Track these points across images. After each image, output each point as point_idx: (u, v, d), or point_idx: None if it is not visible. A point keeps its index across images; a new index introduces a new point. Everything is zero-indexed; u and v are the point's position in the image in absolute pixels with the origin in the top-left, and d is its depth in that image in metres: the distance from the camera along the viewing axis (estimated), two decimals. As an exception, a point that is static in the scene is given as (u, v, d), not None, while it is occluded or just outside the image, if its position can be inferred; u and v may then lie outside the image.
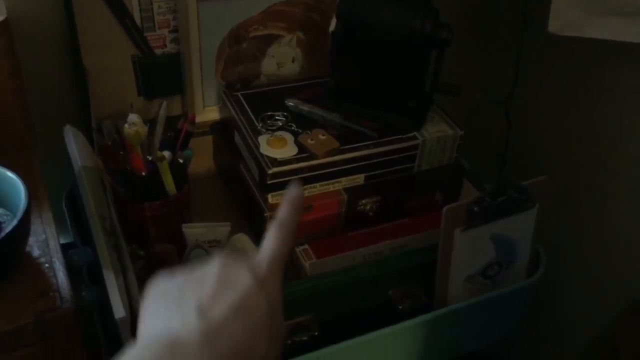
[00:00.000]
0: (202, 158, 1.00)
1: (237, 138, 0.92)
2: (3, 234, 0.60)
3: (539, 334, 1.21)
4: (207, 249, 0.78)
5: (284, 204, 0.51)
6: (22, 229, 0.63)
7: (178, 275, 0.47)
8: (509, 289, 0.85)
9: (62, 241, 1.09)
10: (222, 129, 0.99)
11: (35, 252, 0.68)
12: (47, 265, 0.66)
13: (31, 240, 0.68)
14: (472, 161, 0.97)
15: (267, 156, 0.83)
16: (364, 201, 0.89)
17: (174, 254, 0.88)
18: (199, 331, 0.42)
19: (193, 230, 0.87)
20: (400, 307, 0.82)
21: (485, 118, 1.05)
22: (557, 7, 0.86)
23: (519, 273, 0.89)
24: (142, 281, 0.85)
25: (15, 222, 0.61)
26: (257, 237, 0.87)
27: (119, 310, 0.62)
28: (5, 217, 0.66)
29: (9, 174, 0.67)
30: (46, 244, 0.68)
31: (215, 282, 0.45)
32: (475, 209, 0.78)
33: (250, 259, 0.48)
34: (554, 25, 0.88)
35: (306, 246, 0.88)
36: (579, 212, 1.07)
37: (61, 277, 0.65)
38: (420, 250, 0.84)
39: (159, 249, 0.88)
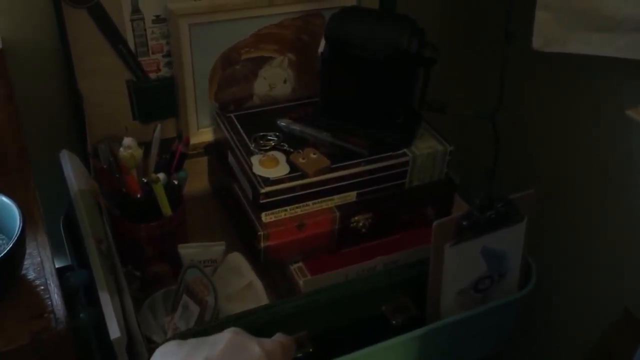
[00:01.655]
0: (196, 178, 1.01)
1: (231, 158, 0.94)
2: (-1, 257, 0.62)
3: (531, 345, 1.22)
4: (201, 268, 0.79)
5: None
6: (17, 252, 0.64)
7: (188, 342, 0.48)
8: (501, 302, 0.86)
9: (59, 264, 1.11)
10: (216, 150, 1.01)
11: (31, 275, 0.69)
12: (42, 287, 0.68)
13: (26, 263, 0.69)
14: (463, 175, 0.99)
15: (259, 176, 0.85)
16: (356, 218, 0.91)
17: (169, 274, 0.89)
18: None
19: (188, 251, 0.89)
20: (393, 322, 0.83)
21: (474, 133, 1.06)
22: (539, 24, 0.88)
23: (511, 285, 0.90)
24: (138, 302, 0.87)
25: (10, 245, 0.62)
26: (251, 256, 0.89)
27: (114, 331, 0.63)
28: (0, 242, 0.67)
29: (4, 198, 0.68)
30: (41, 266, 0.70)
31: (225, 345, 0.46)
32: (464, 223, 0.79)
33: (260, 338, 0.49)
34: (538, 42, 0.90)
35: (300, 264, 0.90)
36: (568, 224, 1.09)
37: (56, 299, 0.66)
38: (412, 264, 0.86)
39: (155, 269, 0.89)
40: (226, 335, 0.47)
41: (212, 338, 0.48)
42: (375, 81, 0.91)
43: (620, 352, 1.03)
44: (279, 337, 0.52)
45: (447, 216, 0.98)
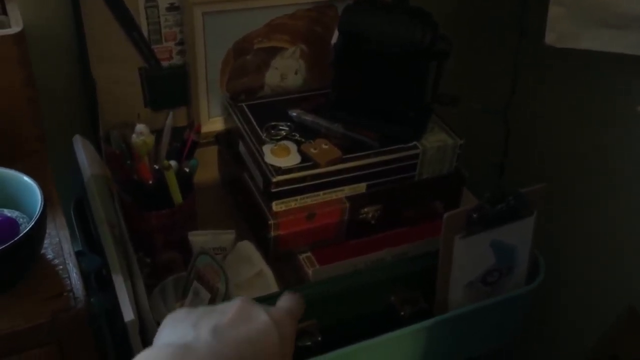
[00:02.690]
0: (207, 168, 1.02)
1: (242, 148, 0.94)
2: (21, 234, 0.62)
3: (537, 340, 1.23)
4: (212, 255, 0.79)
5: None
6: (39, 230, 0.65)
7: (198, 309, 0.49)
8: (509, 295, 0.87)
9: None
10: (226, 140, 1.01)
11: (50, 254, 0.70)
12: (60, 267, 0.68)
13: (45, 243, 0.70)
14: (472, 169, 0.99)
15: (271, 165, 0.85)
16: (365, 209, 0.91)
17: (180, 261, 0.90)
18: (209, 346, 0.44)
19: (198, 238, 0.89)
20: (402, 314, 0.84)
21: (485, 127, 1.07)
22: (553, 20, 0.88)
23: (518, 279, 0.90)
24: (149, 288, 0.87)
25: (32, 223, 0.63)
26: (261, 245, 0.89)
27: (128, 314, 0.64)
28: (22, 220, 0.68)
29: (26, 178, 0.69)
30: (60, 247, 0.70)
31: (234, 313, 0.47)
32: (474, 215, 0.79)
33: (268, 307, 0.50)
34: (551, 37, 0.90)
35: (309, 254, 0.90)
36: (577, 219, 1.09)
37: (74, 278, 0.67)
38: (421, 256, 0.86)
39: (165, 257, 0.90)
40: (235, 303, 0.48)
41: (221, 306, 0.49)
42: (388, 74, 0.91)
43: (624, 351, 1.03)
44: (285, 301, 0.53)
45: (456, 208, 1.00)
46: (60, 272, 0.67)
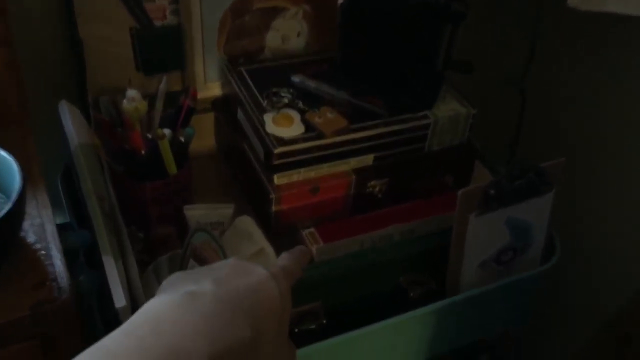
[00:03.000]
0: (203, 136, 0.96)
1: (241, 115, 0.88)
2: (-4, 215, 0.56)
3: (547, 318, 1.19)
4: (210, 231, 0.74)
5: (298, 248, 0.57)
6: (17, 212, 0.58)
7: (193, 271, 0.49)
8: (525, 275, 0.82)
9: (57, 222, 1.06)
10: (224, 106, 0.95)
11: (31, 238, 0.63)
12: (43, 252, 0.62)
13: (26, 224, 0.63)
14: (484, 141, 0.94)
15: (273, 135, 0.79)
16: (372, 183, 0.86)
17: (175, 236, 0.84)
18: (213, 293, 0.44)
19: (195, 212, 0.84)
20: (411, 295, 0.79)
21: (498, 97, 1.01)
22: (578, -20, 0.82)
23: (533, 258, 0.86)
24: (142, 265, 0.82)
25: (9, 205, 0.56)
26: (261, 220, 0.84)
27: (119, 299, 0.58)
28: (-2, 200, 0.62)
29: (2, 153, 0.62)
30: (42, 228, 0.64)
31: (231, 268, 0.47)
32: (491, 192, 0.74)
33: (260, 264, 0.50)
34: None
35: (312, 229, 0.85)
36: (592, 196, 1.04)
37: (59, 265, 0.60)
38: (430, 235, 0.81)
39: (159, 231, 0.84)
40: (229, 261, 0.49)
41: (215, 265, 0.49)
42: (398, 38, 0.85)
43: (637, 330, 1.00)
44: (282, 259, 0.54)
45: (467, 183, 0.94)
46: (43, 258, 0.60)
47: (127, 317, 0.61)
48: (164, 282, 0.48)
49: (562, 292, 1.13)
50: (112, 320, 0.69)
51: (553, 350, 1.18)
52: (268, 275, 0.47)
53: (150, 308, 0.43)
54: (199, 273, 0.47)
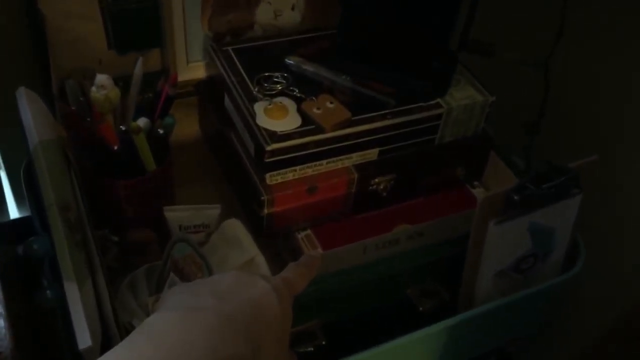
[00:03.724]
0: (185, 122, 0.85)
1: (228, 103, 0.77)
2: None
3: (557, 317, 1.11)
4: (194, 244, 0.65)
5: (306, 257, 0.57)
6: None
7: (194, 282, 0.50)
8: (547, 285, 0.73)
9: (20, 214, 0.96)
10: (209, 90, 0.84)
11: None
12: None
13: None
14: (499, 130, 0.84)
15: (265, 129, 0.69)
16: (376, 180, 0.76)
17: (154, 241, 0.75)
18: (215, 308, 0.45)
19: (176, 214, 0.74)
20: (420, 309, 0.70)
21: (516, 82, 0.91)
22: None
23: (554, 265, 0.77)
24: (116, 272, 0.73)
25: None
26: (251, 223, 0.74)
27: (84, 338, 0.49)
28: None
29: None
30: None
31: (232, 279, 0.48)
32: (516, 197, 0.65)
33: (263, 275, 0.50)
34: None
35: (309, 232, 0.76)
36: (614, 198, 0.94)
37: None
38: (441, 245, 0.72)
39: (136, 235, 0.75)
40: (231, 273, 0.49)
41: (216, 276, 0.50)
42: (408, 12, 0.74)
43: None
44: (286, 271, 0.54)
45: (479, 175, 0.85)
46: None
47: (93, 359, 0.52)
48: (166, 294, 0.49)
49: (575, 289, 1.05)
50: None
51: (564, 347, 1.11)
52: (269, 287, 0.48)
53: (152, 323, 0.44)
54: (200, 285, 0.48)
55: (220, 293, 0.46)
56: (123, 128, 0.73)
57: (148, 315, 0.67)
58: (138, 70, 0.74)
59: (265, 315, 0.47)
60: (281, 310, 0.48)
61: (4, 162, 0.91)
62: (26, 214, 0.92)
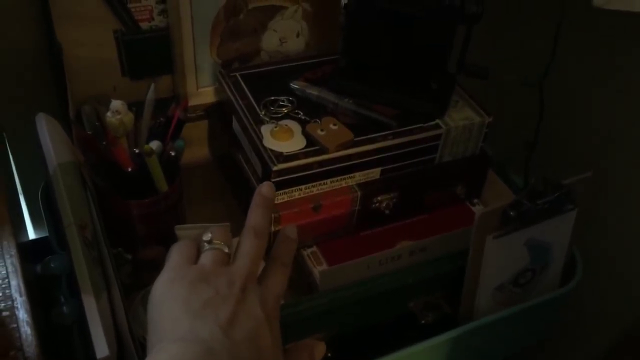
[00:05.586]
0: (196, 145, 0.89)
1: (236, 125, 0.81)
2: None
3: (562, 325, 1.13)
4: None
5: (283, 243, 0.61)
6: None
7: (188, 278, 0.52)
8: (545, 298, 0.76)
9: (36, 235, 0.99)
10: (219, 113, 0.88)
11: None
12: (6, 313, 0.51)
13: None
14: (497, 149, 0.87)
15: (271, 150, 0.73)
16: (379, 198, 0.79)
17: (164, 257, 0.78)
18: (226, 348, 0.47)
19: (187, 232, 0.77)
20: (422, 322, 0.73)
21: (512, 102, 0.94)
22: (604, -23, 0.75)
23: (552, 279, 0.79)
24: (129, 289, 0.76)
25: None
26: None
27: (101, 348, 0.52)
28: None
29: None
30: (7, 283, 0.54)
31: (233, 305, 0.50)
32: (511, 213, 0.68)
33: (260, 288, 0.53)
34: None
35: (314, 249, 0.79)
36: (611, 214, 0.97)
37: (26, 330, 0.50)
38: (442, 259, 0.75)
39: (148, 252, 0.78)
40: (231, 290, 0.51)
41: (218, 300, 0.51)
42: (408, 38, 0.78)
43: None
44: (266, 272, 0.58)
45: (479, 193, 0.88)
46: (7, 320, 0.50)
47: (111, 367, 0.55)
48: (164, 289, 0.52)
49: (580, 302, 1.07)
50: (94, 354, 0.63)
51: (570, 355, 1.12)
52: (263, 320, 0.50)
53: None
54: (201, 296, 0.50)
55: (226, 326, 0.48)
56: (136, 151, 0.76)
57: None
58: (150, 95, 0.78)
59: (260, 348, 0.49)
60: (272, 339, 0.51)
61: (22, 186, 0.95)
62: (42, 234, 0.96)
